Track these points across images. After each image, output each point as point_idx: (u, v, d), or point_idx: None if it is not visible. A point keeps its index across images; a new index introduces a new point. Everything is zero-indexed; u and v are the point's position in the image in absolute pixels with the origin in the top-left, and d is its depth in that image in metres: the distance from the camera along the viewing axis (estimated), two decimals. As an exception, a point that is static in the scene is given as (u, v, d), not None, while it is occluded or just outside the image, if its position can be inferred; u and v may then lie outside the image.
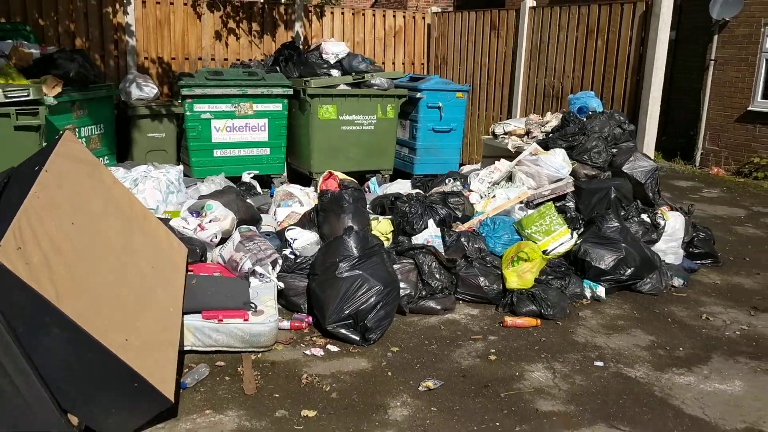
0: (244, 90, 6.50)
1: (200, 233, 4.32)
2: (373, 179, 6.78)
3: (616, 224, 4.63)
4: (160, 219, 4.07)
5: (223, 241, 4.35)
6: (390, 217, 4.87)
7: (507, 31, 8.25)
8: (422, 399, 3.12)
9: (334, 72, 6.98)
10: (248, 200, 5.26)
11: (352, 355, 3.54)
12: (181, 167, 5.63)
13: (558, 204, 4.97)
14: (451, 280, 4.25)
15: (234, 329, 3.40)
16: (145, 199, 4.86)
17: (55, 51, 5.93)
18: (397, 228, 4.73)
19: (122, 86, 6.92)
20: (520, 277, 4.22)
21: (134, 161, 6.40)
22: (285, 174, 7.12)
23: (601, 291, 4.38)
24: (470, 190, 5.47)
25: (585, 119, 5.63)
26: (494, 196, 5.15)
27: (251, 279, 3.90)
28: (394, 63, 9.55)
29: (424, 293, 4.13)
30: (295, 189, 5.60)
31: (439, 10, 9.97)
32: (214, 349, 3.42)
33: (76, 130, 5.79)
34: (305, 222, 4.66)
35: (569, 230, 4.66)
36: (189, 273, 3.74)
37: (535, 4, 7.92)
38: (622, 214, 4.90)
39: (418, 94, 7.23)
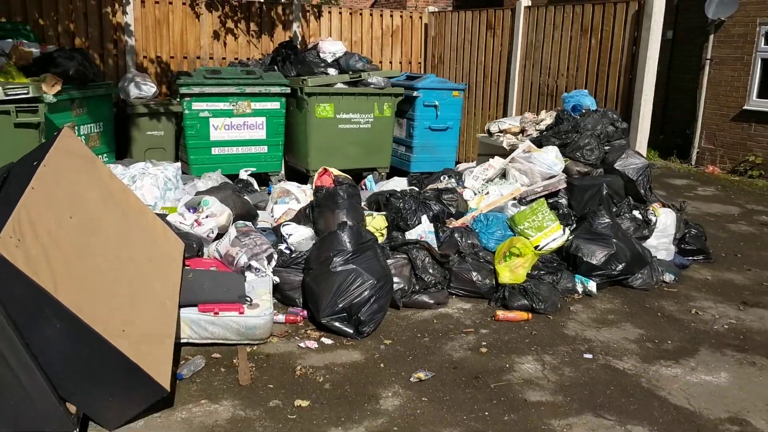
0: (242, 89, 6.56)
1: (197, 228, 4.38)
2: (370, 177, 6.83)
3: (608, 220, 4.69)
4: (158, 214, 4.13)
5: (220, 236, 4.41)
6: (384, 213, 4.93)
7: (503, 31, 8.31)
8: (413, 390, 3.18)
9: (332, 71, 7.04)
10: (245, 197, 5.32)
11: (346, 348, 3.60)
12: (178, 164, 5.69)
13: (550, 200, 5.03)
14: (444, 275, 4.31)
15: (230, 322, 3.46)
16: (143, 195, 4.91)
17: (54, 50, 5.98)
18: (392, 224, 4.79)
19: (121, 85, 6.99)
20: (512, 272, 4.28)
21: (133, 159, 6.45)
22: (282, 172, 7.18)
23: (592, 286, 4.44)
24: (464, 187, 5.52)
25: (578, 117, 5.68)
26: (488, 193, 5.21)
27: (247, 273, 3.96)
28: (391, 62, 9.61)
29: (417, 288, 4.19)
30: (293, 186, 5.66)
31: (437, 9, 10.03)
32: (210, 341, 3.48)
33: (76, 127, 5.85)
34: (301, 218, 4.71)
35: (561, 226, 4.72)
36: (186, 267, 3.80)
37: (530, 4, 7.98)
38: (614, 210, 4.96)
39: (415, 93, 7.28)
